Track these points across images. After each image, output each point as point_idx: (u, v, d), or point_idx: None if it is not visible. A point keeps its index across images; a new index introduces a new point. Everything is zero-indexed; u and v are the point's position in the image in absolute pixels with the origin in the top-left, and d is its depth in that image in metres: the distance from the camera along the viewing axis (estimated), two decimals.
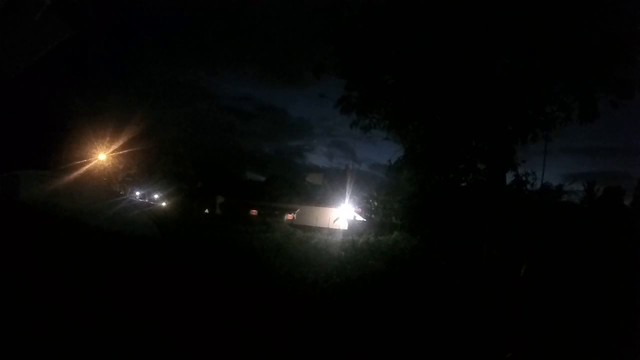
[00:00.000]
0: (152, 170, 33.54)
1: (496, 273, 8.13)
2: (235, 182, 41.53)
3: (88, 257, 5.90)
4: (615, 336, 4.78)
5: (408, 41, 11.90)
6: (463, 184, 11.53)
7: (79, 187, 12.50)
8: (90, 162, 23.50)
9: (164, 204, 33.93)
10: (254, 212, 34.42)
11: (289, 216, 33.03)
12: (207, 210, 36.99)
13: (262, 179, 42.16)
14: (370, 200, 28.66)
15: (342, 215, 25.54)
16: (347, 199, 25.75)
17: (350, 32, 12.26)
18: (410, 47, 11.93)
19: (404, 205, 13.79)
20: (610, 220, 13.68)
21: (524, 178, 11.94)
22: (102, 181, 24.68)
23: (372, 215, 27.26)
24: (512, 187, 11.87)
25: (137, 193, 32.56)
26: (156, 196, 35.28)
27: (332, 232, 20.80)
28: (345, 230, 22.22)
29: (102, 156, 25.08)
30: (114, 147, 25.12)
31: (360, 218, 28.06)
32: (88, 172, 22.20)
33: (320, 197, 33.51)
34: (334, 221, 23.16)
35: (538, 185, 12.28)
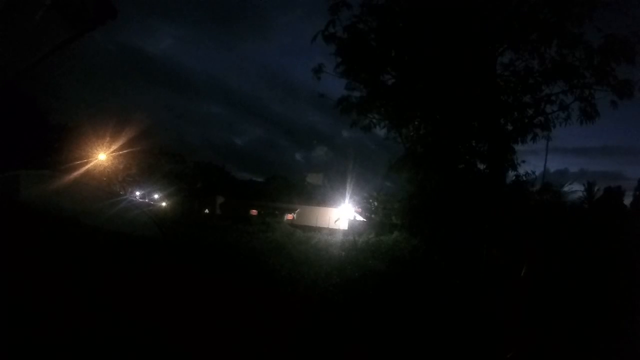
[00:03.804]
0: (152, 170, 33.55)
1: (496, 273, 8.14)
2: (235, 182, 41.57)
3: (88, 257, 5.90)
4: (615, 336, 4.78)
5: (408, 41, 11.90)
6: (463, 184, 11.51)
7: (79, 187, 12.49)
8: (90, 162, 23.51)
9: (164, 204, 33.94)
10: (254, 212, 34.42)
11: (289, 216, 33.03)
12: (207, 210, 37.01)
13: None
14: (370, 200, 28.69)
15: (343, 215, 25.54)
16: (347, 199, 25.74)
17: (350, 32, 12.25)
18: (410, 47, 11.92)
19: (404, 205, 13.77)
20: (610, 220, 13.68)
21: (523, 178, 11.95)
22: (102, 181, 24.69)
23: (372, 215, 27.28)
24: (512, 187, 11.86)
25: (137, 193, 32.55)
26: (156, 196, 35.27)
27: (332, 232, 20.79)
28: (345, 230, 22.21)
29: (102, 156, 25.09)
30: (114, 147, 25.13)
31: (360, 218, 28.08)
32: (88, 172, 22.21)
33: (320, 197, 33.51)
34: (336, 221, 23.13)
35: (538, 185, 12.29)
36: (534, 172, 12.15)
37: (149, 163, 33.23)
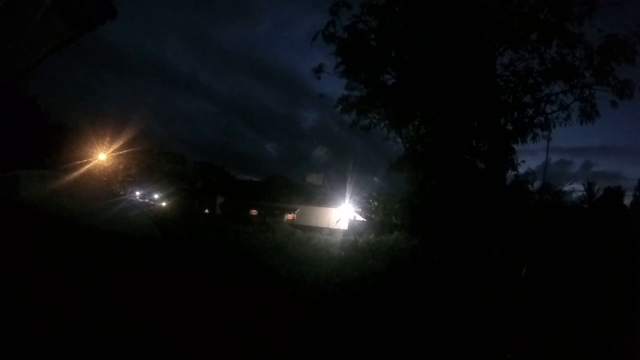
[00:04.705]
0: (152, 170, 33.55)
1: (496, 273, 8.13)
2: (235, 182, 41.59)
3: (88, 257, 5.90)
4: (615, 336, 4.77)
5: (408, 41, 11.91)
6: (463, 184, 11.52)
7: (79, 187, 12.49)
8: (90, 162, 23.50)
9: (164, 204, 33.92)
10: (254, 212, 34.43)
11: (289, 216, 33.03)
12: (207, 210, 37.01)
13: None
14: (371, 200, 28.72)
15: (343, 215, 25.55)
16: (347, 199, 25.74)
17: (350, 32, 12.26)
18: (410, 47, 11.93)
19: (404, 205, 13.78)
20: (610, 220, 13.67)
21: (523, 178, 11.95)
22: (102, 181, 24.67)
23: (372, 215, 27.31)
24: (512, 187, 11.86)
25: (137, 193, 32.53)
26: (156, 196, 35.27)
27: (332, 232, 20.79)
28: (345, 230, 22.20)
29: (102, 156, 25.09)
30: (114, 147, 25.13)
31: (360, 218, 28.09)
32: (88, 172, 22.19)
33: (320, 197, 33.49)
34: (337, 222, 23.13)
35: (539, 182, 12.29)
36: (533, 172, 12.19)
37: (149, 163, 33.24)
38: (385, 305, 6.07)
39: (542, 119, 11.66)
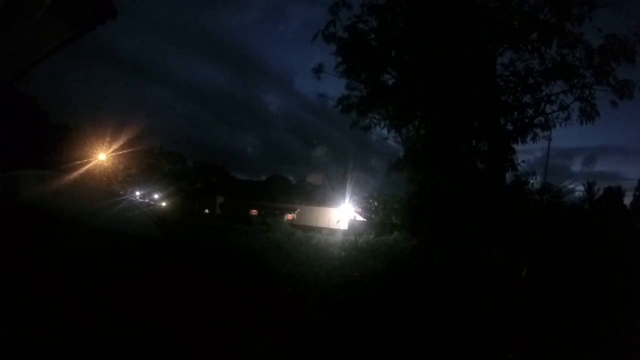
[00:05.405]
0: (152, 170, 33.57)
1: (496, 273, 8.13)
2: (235, 182, 41.61)
3: (88, 257, 5.90)
4: (615, 336, 4.77)
5: (408, 41, 11.90)
6: (463, 184, 11.49)
7: (79, 187, 12.51)
8: (90, 162, 23.49)
9: (164, 204, 33.92)
10: (254, 212, 34.42)
11: (289, 216, 33.01)
12: (207, 210, 37.01)
13: None
14: (371, 201, 28.69)
15: (343, 215, 25.51)
16: (347, 199, 25.70)
17: (350, 32, 12.26)
18: (411, 47, 11.93)
19: (404, 205, 13.76)
20: (610, 220, 13.67)
21: (523, 178, 11.93)
22: (102, 181, 24.68)
23: (372, 215, 27.28)
24: (512, 187, 11.84)
25: (137, 193, 32.53)
26: (156, 196, 35.27)
27: (332, 232, 20.79)
28: (345, 230, 22.19)
29: (102, 156, 25.08)
30: (114, 147, 25.13)
31: (360, 218, 28.06)
32: (88, 172, 22.18)
33: (320, 197, 33.50)
34: (337, 222, 23.11)
35: (538, 185, 12.27)
36: (534, 172, 12.17)
37: (149, 163, 33.27)
38: (385, 305, 6.06)
39: (542, 119, 11.62)
